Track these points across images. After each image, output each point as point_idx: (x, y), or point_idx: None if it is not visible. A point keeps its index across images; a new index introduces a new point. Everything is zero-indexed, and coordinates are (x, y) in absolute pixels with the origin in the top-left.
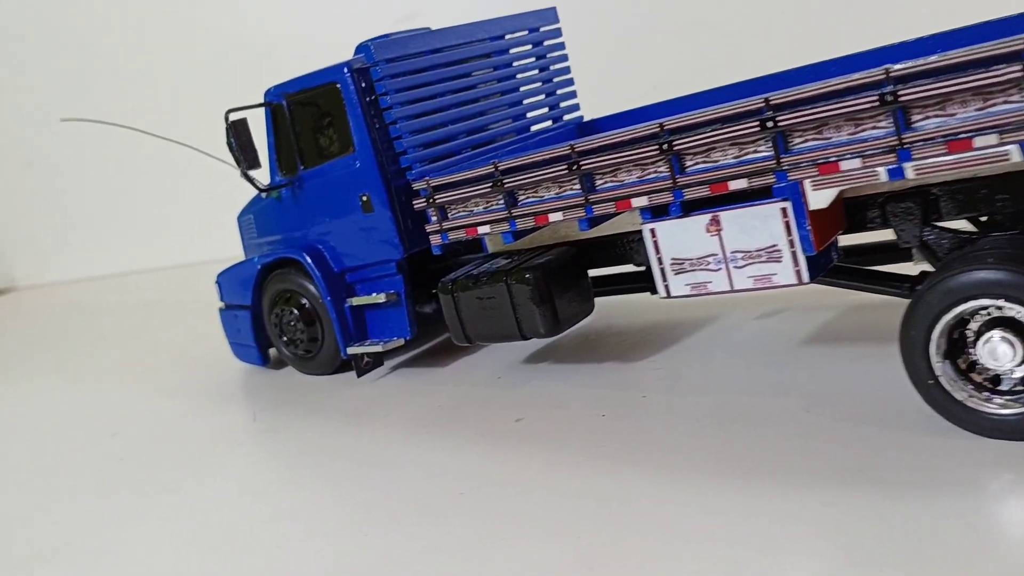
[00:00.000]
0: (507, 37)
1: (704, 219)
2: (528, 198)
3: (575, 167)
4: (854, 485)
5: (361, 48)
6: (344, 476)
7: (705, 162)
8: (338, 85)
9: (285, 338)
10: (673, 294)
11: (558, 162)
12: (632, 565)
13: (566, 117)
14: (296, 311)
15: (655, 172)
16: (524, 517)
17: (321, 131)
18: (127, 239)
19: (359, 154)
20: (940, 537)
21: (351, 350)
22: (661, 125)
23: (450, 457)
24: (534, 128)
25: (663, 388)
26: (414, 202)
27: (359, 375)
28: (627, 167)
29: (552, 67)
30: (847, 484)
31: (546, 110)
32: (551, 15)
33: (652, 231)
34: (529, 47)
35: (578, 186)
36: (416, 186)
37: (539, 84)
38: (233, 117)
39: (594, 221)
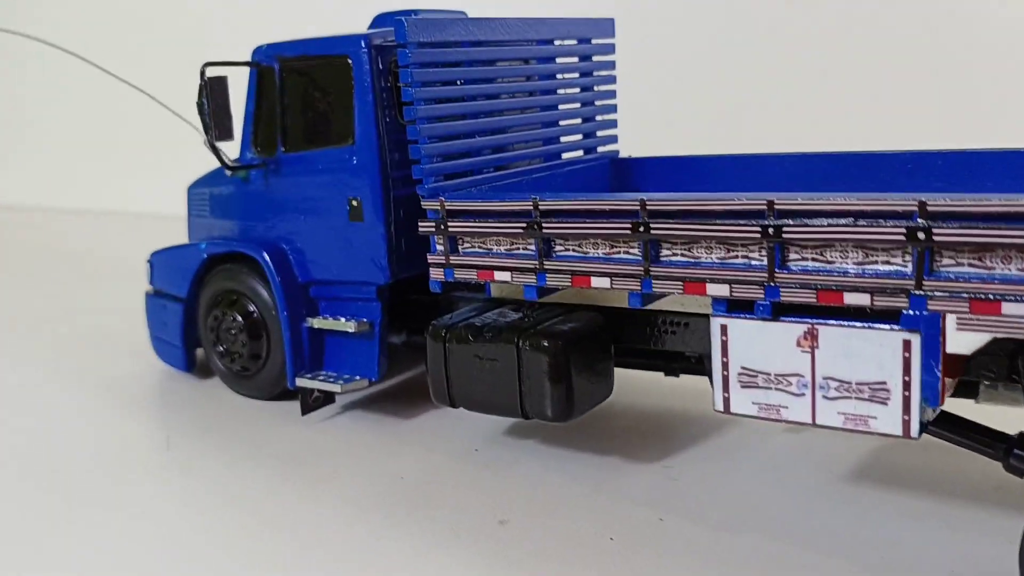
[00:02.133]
0: (556, 43)
1: (797, 329)
2: (568, 251)
3: (642, 229)
4: None
5: (384, 20)
6: (268, 559)
7: (817, 260)
8: (350, 60)
9: (221, 348)
10: (733, 410)
11: (620, 217)
12: None
13: (600, 149)
14: (240, 318)
15: (747, 258)
16: None
17: (315, 110)
18: (44, 169)
19: (359, 148)
20: None
21: (301, 382)
22: (770, 204)
23: (413, 556)
24: (565, 156)
25: (683, 510)
26: (420, 224)
27: (304, 412)
28: (710, 243)
29: (596, 88)
30: None
31: (579, 137)
32: (608, 27)
33: (723, 328)
34: (575, 60)
35: (639, 251)
36: (426, 205)
37: (577, 105)
38: (211, 73)
39: (649, 297)
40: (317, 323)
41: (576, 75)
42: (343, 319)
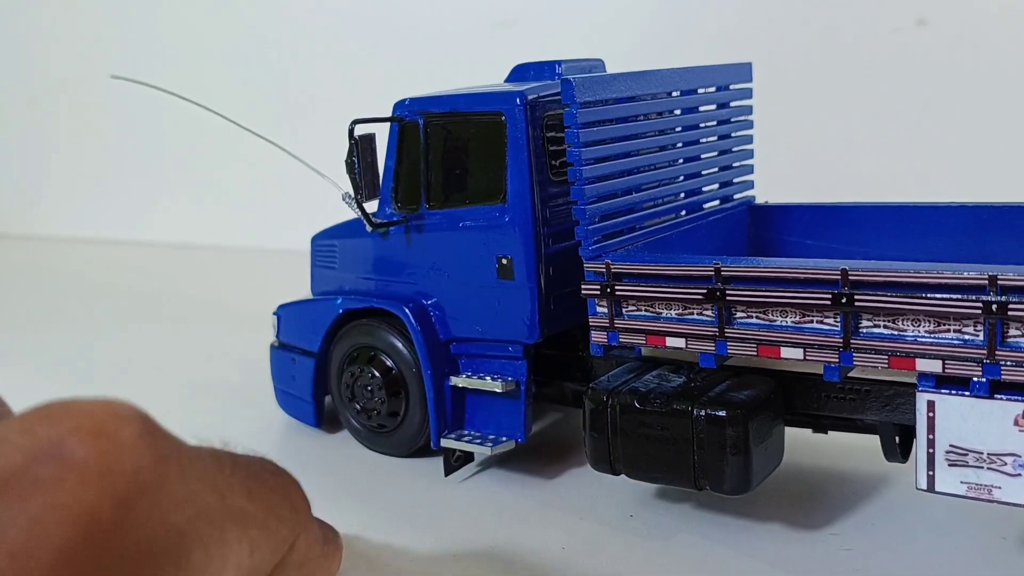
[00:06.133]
0: (699, 91)
1: (1016, 408)
2: (751, 318)
3: (843, 301)
4: None
5: (523, 72)
6: None
7: None
8: (504, 117)
9: (357, 405)
10: (939, 489)
11: (817, 286)
12: None
13: (736, 196)
14: (379, 375)
15: (962, 333)
16: None
17: (463, 166)
18: (134, 203)
19: (511, 207)
20: None
21: (446, 442)
22: (992, 278)
23: None
24: (707, 205)
25: None
26: (582, 287)
27: (447, 472)
28: (918, 317)
29: (734, 134)
30: None
31: (716, 186)
32: (745, 72)
33: (930, 404)
34: (714, 107)
35: (837, 323)
36: (589, 267)
37: (715, 154)
38: (359, 131)
39: (846, 371)
40: (462, 382)
41: (714, 123)
42: (489, 378)
